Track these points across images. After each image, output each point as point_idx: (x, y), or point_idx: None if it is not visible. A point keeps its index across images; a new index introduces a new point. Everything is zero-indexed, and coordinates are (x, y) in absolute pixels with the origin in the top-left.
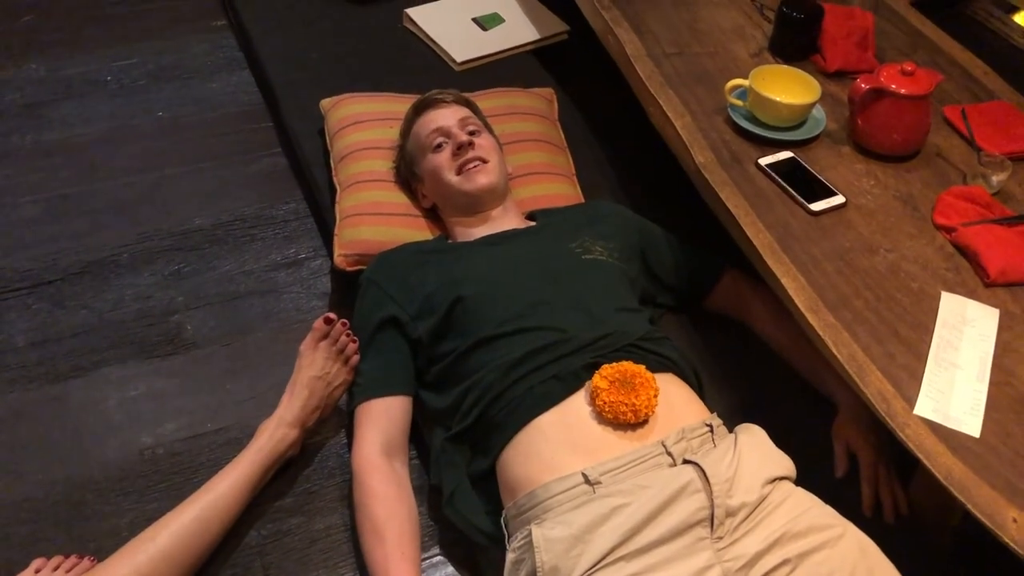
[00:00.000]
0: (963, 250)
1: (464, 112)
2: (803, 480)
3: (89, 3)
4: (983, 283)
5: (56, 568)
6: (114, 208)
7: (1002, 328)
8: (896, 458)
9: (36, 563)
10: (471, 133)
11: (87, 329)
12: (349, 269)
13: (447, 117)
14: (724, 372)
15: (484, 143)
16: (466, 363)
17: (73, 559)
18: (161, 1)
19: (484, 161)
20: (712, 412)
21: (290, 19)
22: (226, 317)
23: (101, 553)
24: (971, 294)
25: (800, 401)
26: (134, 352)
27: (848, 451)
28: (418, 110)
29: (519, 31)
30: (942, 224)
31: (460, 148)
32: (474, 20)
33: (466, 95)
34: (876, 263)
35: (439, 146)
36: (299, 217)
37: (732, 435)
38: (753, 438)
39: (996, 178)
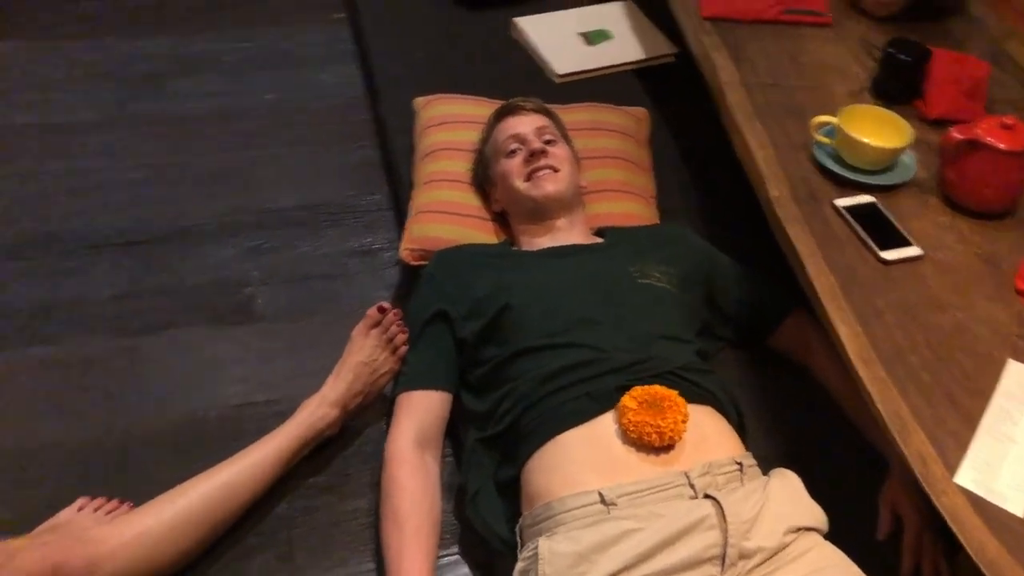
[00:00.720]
0: None
1: (542, 121)
2: (838, 536)
3: None
4: None
5: (97, 509)
6: (209, 180)
7: None
8: (945, 530)
9: (80, 501)
10: (547, 142)
11: (165, 290)
12: (413, 263)
13: (525, 124)
14: (774, 414)
15: (558, 152)
16: (505, 370)
17: (114, 503)
18: None
19: (555, 170)
20: (748, 451)
21: (404, 18)
22: (295, 296)
23: (139, 502)
24: None
25: (850, 453)
26: (205, 318)
27: (894, 514)
28: (499, 116)
29: (625, 49)
30: (1023, 289)
31: (533, 155)
32: (581, 34)
33: (551, 107)
34: (942, 321)
35: (513, 152)
36: (380, 209)
37: (765, 478)
38: (785, 483)
39: None
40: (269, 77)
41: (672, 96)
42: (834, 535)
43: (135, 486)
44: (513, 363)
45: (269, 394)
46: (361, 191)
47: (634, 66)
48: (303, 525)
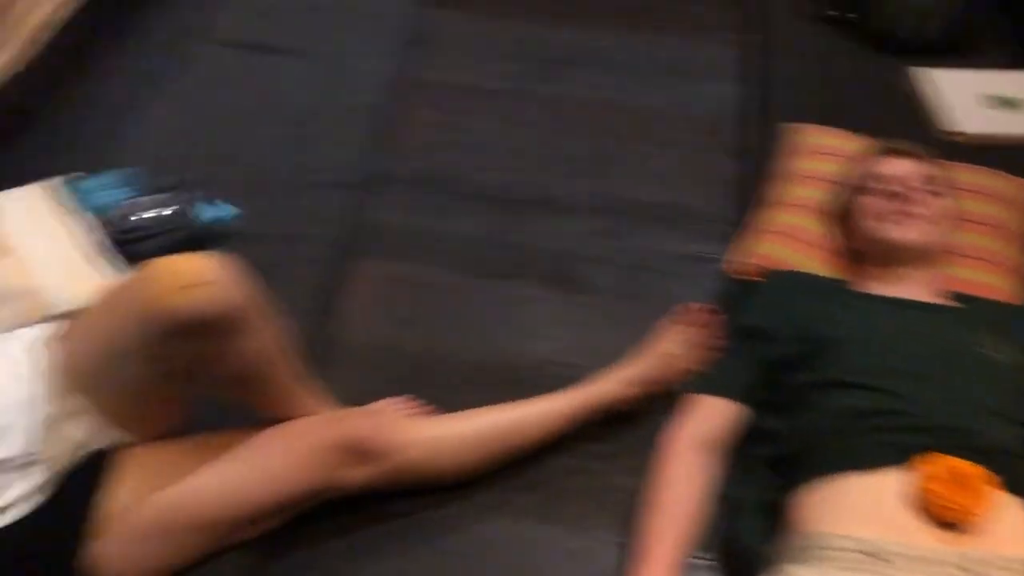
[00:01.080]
0: None
1: (932, 171)
2: None
3: None
4: None
5: (408, 408)
6: (579, 161)
7: None
8: None
9: (398, 399)
10: (932, 192)
11: (514, 247)
12: (742, 276)
13: (910, 169)
14: None
15: (940, 204)
16: (810, 397)
17: (422, 408)
18: (694, 5)
19: (929, 220)
20: None
21: (805, 52)
22: (623, 280)
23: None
24: None
25: None
26: (540, 278)
27: None
28: (883, 152)
29: None
30: None
31: (903, 199)
32: (987, 96)
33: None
34: None
35: (886, 191)
36: (727, 222)
37: None
38: None
39: None
40: (656, 82)
41: None
42: None
43: (440, 400)
44: (820, 392)
45: (574, 358)
46: (713, 201)
47: None
48: (568, 483)
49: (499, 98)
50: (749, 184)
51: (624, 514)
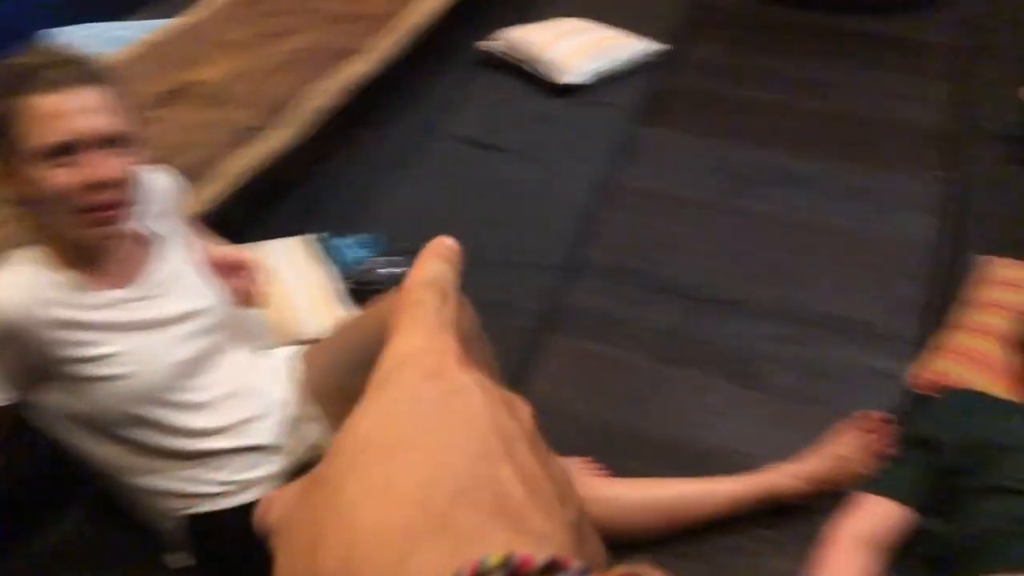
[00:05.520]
0: None
1: None
2: None
3: (834, 124)
4: None
5: (587, 467)
6: (765, 270)
7: None
8: None
9: (582, 459)
10: None
11: (701, 340)
12: (922, 391)
13: None
14: None
15: None
16: (977, 501)
17: (602, 470)
18: (891, 142)
19: None
20: None
21: (1000, 190)
22: (801, 383)
23: None
24: None
25: None
26: (720, 371)
27: None
28: None
29: None
30: None
31: None
32: None
33: None
34: None
35: None
36: (909, 342)
37: None
38: None
39: None
40: (850, 204)
41: None
42: None
43: (616, 469)
44: (986, 496)
45: (747, 448)
46: (896, 321)
47: None
48: (727, 559)
49: (696, 206)
50: (933, 309)
51: None
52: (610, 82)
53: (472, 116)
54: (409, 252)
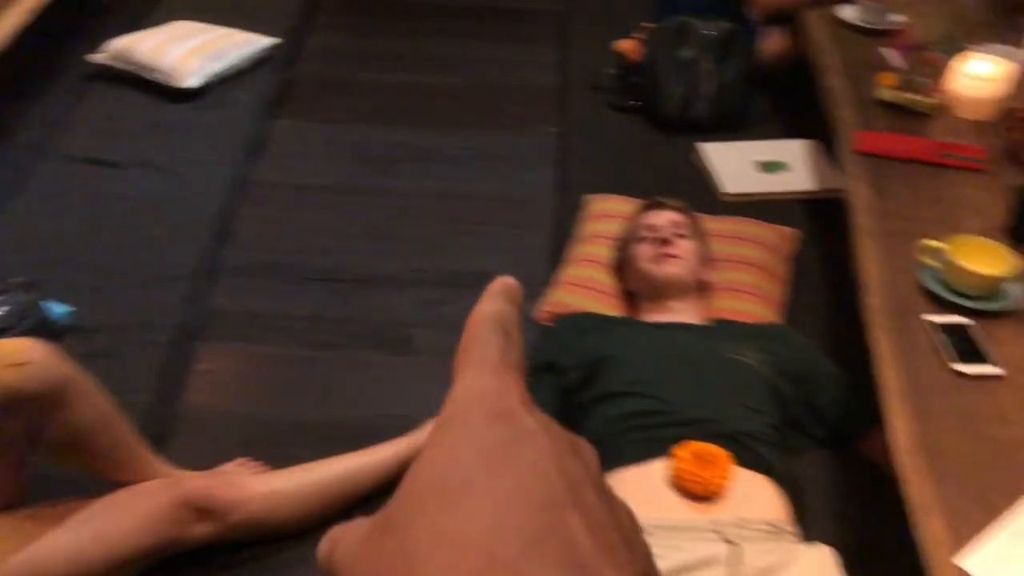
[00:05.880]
0: None
1: (679, 218)
2: None
3: (458, 97)
4: None
5: (250, 467)
6: (409, 243)
7: None
8: None
9: (240, 459)
10: (679, 235)
11: (348, 319)
12: (544, 323)
13: (662, 218)
14: (843, 515)
15: (685, 244)
16: (589, 412)
17: (263, 466)
18: (510, 105)
19: (679, 257)
20: (794, 528)
21: (604, 136)
22: (449, 340)
23: None
24: None
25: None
26: (372, 345)
27: None
28: (643, 209)
29: (796, 180)
30: None
31: (663, 242)
32: (758, 162)
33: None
34: (1001, 433)
35: (648, 238)
36: (540, 284)
37: (800, 545)
38: (820, 556)
39: None
40: (481, 171)
41: (838, 227)
42: None
43: (283, 459)
44: (595, 406)
45: (405, 410)
46: (529, 268)
47: (802, 196)
48: None
49: (335, 192)
50: (557, 251)
51: None
52: (231, 81)
53: (86, 133)
54: (19, 288)
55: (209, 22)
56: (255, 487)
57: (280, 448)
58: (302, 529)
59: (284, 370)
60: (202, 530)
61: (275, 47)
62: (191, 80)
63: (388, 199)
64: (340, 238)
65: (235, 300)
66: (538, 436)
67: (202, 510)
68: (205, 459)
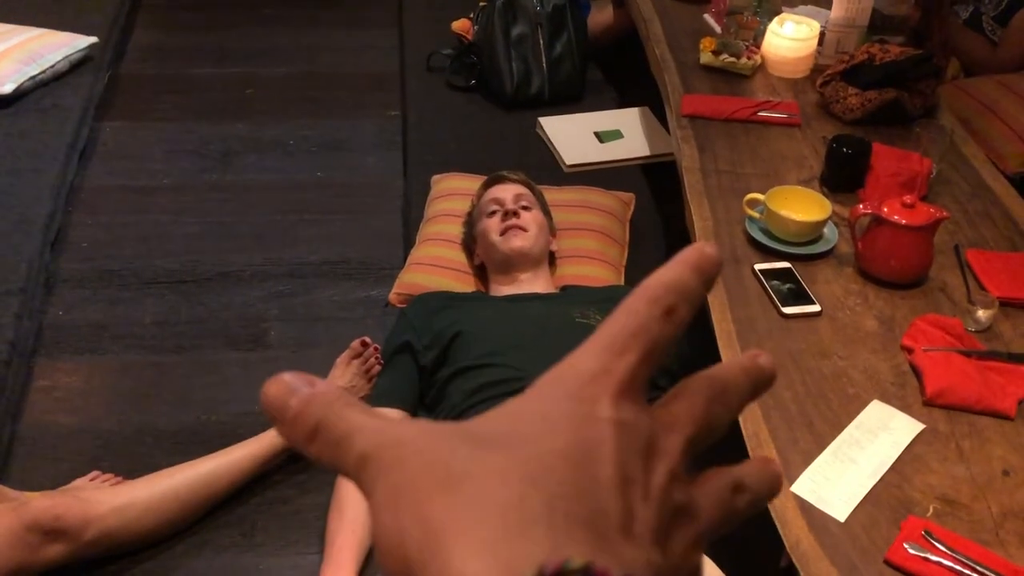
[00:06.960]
0: (915, 370)
1: (522, 190)
2: None
3: (296, 86)
4: (921, 402)
5: (103, 480)
6: (254, 237)
7: (920, 442)
8: None
9: (93, 473)
10: (523, 207)
11: (198, 320)
12: (398, 305)
13: (506, 191)
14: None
15: (529, 216)
16: (446, 387)
17: (117, 478)
18: (351, 92)
19: (524, 229)
20: None
21: (444, 115)
22: (304, 332)
23: None
24: (905, 408)
25: None
26: (225, 343)
27: None
28: (487, 184)
29: (631, 147)
30: (907, 345)
31: (507, 215)
32: (595, 133)
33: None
34: (822, 366)
35: (493, 212)
36: (393, 267)
37: None
38: None
39: (982, 314)
40: (324, 158)
41: (672, 188)
42: None
43: (139, 469)
44: (452, 381)
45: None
46: (380, 252)
47: (638, 161)
48: (267, 512)
49: (173, 191)
50: (408, 233)
51: (320, 527)
52: (51, 84)
53: None
54: None
55: (18, 23)
56: (107, 501)
57: (135, 459)
58: (163, 538)
59: (134, 379)
60: (55, 551)
61: (93, 47)
62: (5, 86)
63: (230, 194)
64: (183, 238)
65: (75, 312)
66: (605, 428)
67: (51, 531)
68: (57, 478)
